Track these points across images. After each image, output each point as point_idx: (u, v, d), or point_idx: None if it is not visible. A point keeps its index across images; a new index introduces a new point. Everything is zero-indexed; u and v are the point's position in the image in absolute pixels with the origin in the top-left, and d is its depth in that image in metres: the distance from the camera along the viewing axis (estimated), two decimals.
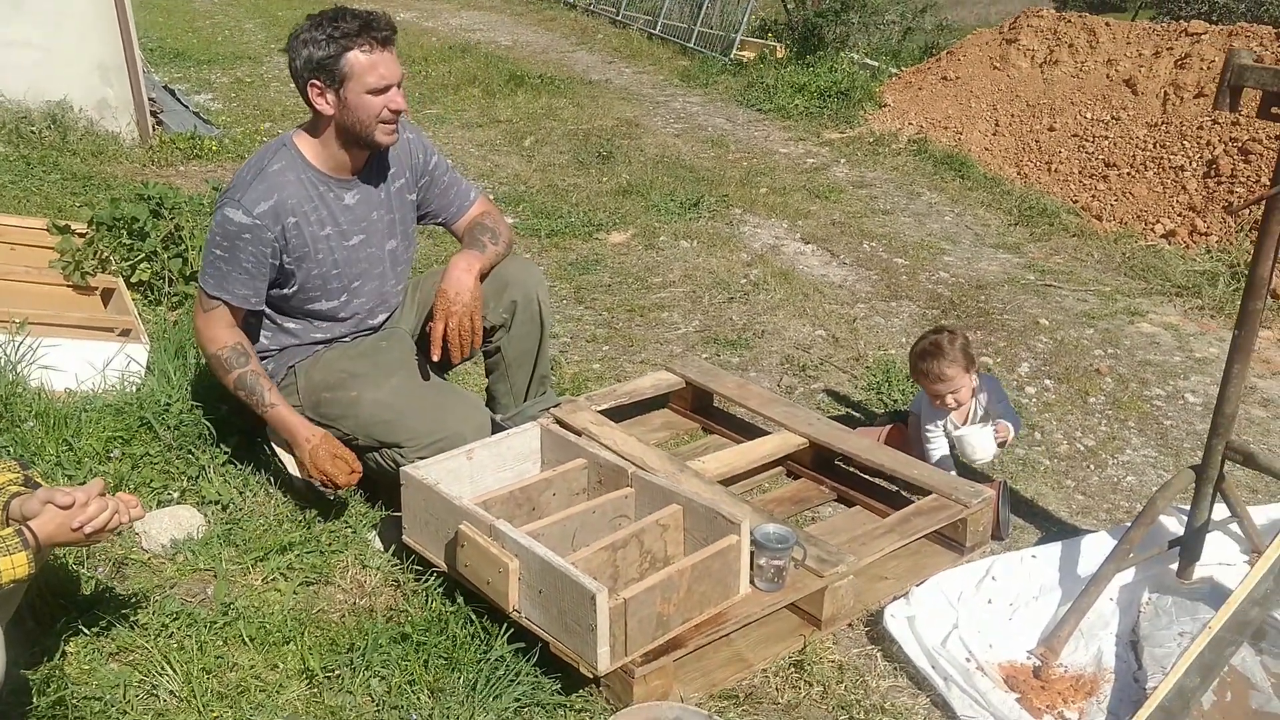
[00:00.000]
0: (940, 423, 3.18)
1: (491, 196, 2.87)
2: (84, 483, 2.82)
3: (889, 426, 3.35)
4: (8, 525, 1.89)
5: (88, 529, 1.89)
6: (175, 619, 2.44)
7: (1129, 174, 6.26)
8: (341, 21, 2.57)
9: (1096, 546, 2.72)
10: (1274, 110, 2.12)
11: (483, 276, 2.87)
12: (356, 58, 2.58)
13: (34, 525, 1.86)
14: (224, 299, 2.72)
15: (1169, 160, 6.13)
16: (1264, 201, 2.17)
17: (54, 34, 6.49)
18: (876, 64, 10.21)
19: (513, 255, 3.02)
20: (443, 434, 2.75)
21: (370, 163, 2.83)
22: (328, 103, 2.64)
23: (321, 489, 2.77)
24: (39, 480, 2.06)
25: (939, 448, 3.18)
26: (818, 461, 3.20)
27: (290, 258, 2.74)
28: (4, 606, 1.93)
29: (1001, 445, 3.14)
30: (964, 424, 3.16)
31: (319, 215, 2.75)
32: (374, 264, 2.90)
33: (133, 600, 2.51)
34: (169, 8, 14.33)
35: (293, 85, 2.70)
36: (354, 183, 2.81)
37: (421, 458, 2.71)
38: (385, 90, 2.62)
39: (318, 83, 2.62)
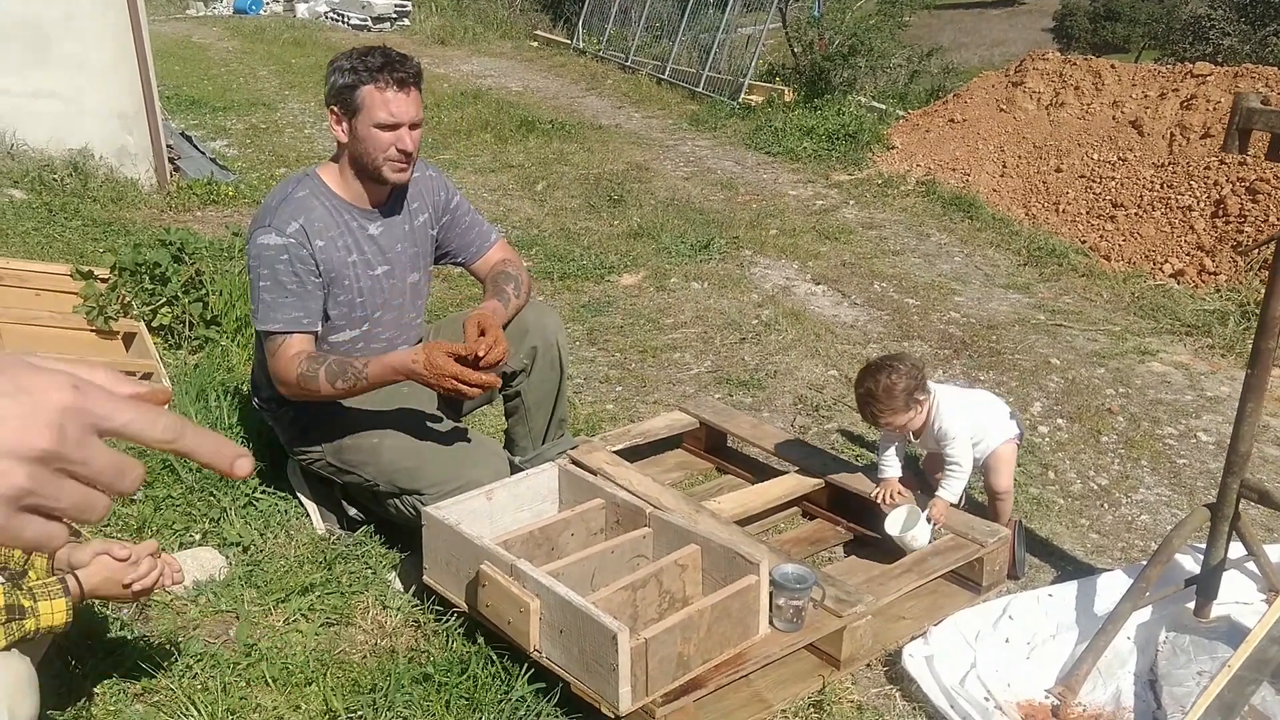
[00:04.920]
0: (892, 447, 3.06)
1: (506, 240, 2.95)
2: (108, 533, 2.87)
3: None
4: (52, 574, 1.91)
5: (137, 586, 1.91)
6: (199, 660, 2.46)
7: (1136, 214, 6.30)
8: (369, 57, 2.66)
9: (1112, 585, 2.73)
10: None
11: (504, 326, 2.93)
12: (370, 92, 2.66)
13: (81, 575, 1.87)
14: (279, 330, 2.69)
15: (1176, 200, 6.18)
16: (1275, 241, 2.20)
17: (77, 84, 6.63)
18: (883, 107, 10.32)
19: (532, 302, 3.07)
20: (461, 481, 2.77)
21: (393, 196, 2.89)
22: (342, 131, 2.73)
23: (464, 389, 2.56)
24: (78, 529, 2.09)
25: (889, 475, 3.06)
26: (833, 502, 3.22)
27: (323, 280, 2.77)
28: (35, 648, 1.96)
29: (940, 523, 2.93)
30: (917, 442, 3.11)
31: (344, 241, 2.80)
32: (396, 295, 2.94)
33: (157, 642, 2.53)
34: (185, 56, 14.55)
35: (307, 131, 2.77)
36: (377, 214, 2.86)
37: None
38: (394, 128, 2.68)
39: (336, 110, 2.72)
